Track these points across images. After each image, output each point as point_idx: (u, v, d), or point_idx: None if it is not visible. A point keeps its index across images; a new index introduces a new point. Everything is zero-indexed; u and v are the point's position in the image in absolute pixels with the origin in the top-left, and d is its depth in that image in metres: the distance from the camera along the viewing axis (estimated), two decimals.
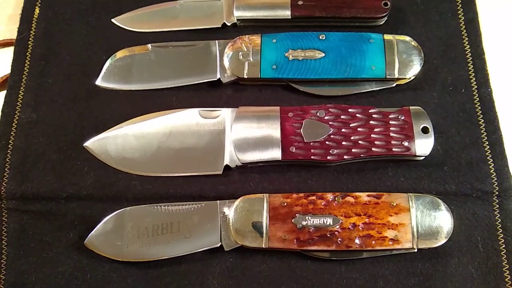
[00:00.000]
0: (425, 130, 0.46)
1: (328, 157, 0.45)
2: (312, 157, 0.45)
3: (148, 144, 0.48)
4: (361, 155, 0.45)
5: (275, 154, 0.46)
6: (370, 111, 0.47)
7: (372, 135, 0.46)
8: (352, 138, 0.46)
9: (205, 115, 0.49)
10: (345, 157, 0.45)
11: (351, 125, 0.46)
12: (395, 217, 0.42)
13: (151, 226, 0.44)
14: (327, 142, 0.46)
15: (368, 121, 0.46)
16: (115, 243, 0.44)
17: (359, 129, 0.46)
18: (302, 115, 0.47)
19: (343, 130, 0.46)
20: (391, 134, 0.46)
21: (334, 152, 0.45)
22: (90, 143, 0.49)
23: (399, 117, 0.46)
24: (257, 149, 0.46)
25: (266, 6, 0.52)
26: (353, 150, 0.45)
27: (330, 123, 0.46)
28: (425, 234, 0.42)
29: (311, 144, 0.46)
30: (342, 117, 0.47)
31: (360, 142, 0.46)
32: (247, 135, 0.46)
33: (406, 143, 0.45)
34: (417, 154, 0.45)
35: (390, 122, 0.46)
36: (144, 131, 0.48)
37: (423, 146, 0.45)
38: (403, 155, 0.46)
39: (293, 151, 0.46)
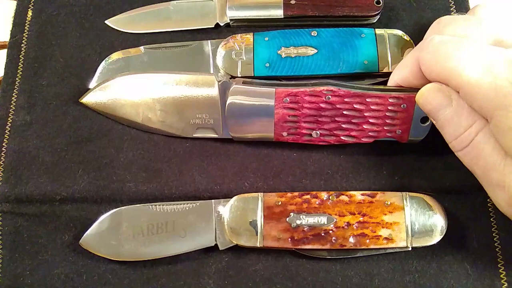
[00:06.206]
0: (423, 121, 0.45)
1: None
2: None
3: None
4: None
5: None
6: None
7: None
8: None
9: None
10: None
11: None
12: (389, 216, 0.42)
13: (146, 226, 0.44)
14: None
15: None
16: (110, 243, 0.44)
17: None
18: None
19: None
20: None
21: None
22: (86, 98, 0.50)
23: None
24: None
25: (258, 6, 0.52)
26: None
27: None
28: (419, 233, 0.42)
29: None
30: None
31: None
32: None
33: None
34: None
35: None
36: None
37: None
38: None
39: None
